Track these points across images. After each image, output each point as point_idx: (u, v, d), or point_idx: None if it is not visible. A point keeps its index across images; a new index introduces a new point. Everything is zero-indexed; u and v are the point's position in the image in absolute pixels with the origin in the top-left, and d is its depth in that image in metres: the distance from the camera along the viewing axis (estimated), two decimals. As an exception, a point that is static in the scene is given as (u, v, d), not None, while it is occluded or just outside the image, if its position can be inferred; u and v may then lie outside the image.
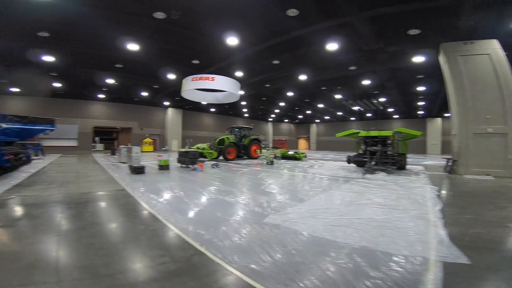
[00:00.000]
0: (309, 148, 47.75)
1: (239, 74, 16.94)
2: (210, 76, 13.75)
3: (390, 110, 31.79)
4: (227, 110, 35.30)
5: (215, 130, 37.96)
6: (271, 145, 28.82)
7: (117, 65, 15.82)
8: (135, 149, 10.64)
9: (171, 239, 3.41)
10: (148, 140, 28.82)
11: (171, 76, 18.08)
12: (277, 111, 35.74)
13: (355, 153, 12.54)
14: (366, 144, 11.61)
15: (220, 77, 14.28)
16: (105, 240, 3.29)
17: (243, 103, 28.88)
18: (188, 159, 11.56)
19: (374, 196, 5.90)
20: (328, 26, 10.13)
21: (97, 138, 30.40)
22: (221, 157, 16.84)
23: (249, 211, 4.67)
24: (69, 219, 4.03)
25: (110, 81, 19.25)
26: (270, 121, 46.58)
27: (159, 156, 10.80)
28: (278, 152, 18.31)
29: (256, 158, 18.28)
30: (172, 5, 8.85)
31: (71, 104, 26.23)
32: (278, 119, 45.64)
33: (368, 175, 9.64)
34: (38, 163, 13.37)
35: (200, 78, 13.74)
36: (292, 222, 4.05)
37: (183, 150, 12.48)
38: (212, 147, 17.03)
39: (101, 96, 25.78)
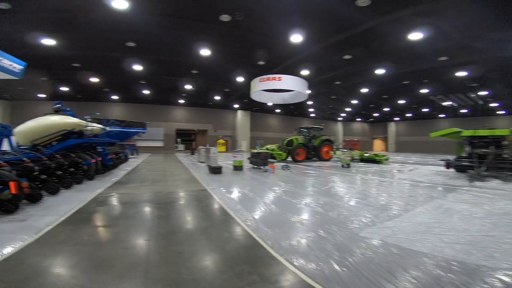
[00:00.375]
0: (386, 150, 42.73)
1: (305, 72, 16.06)
2: (277, 76, 13.35)
3: (493, 105, 25.62)
4: (293, 110, 34.49)
5: (281, 131, 37.65)
6: (341, 146, 26.69)
7: (193, 71, 17.02)
8: (213, 149, 10.98)
9: (262, 257, 2.94)
10: (221, 141, 30.50)
11: (240, 79, 18.51)
12: (348, 109, 33.08)
13: (455, 156, 10.21)
14: (473, 146, 9.30)
15: (287, 77, 13.73)
16: (192, 250, 3.05)
17: (309, 102, 27.66)
18: (260, 160, 11.34)
19: (496, 209, 4.47)
20: (410, 14, 8.66)
21: (178, 139, 33.87)
22: (289, 158, 16.25)
23: (338, 222, 3.92)
24: (159, 222, 4.03)
25: (188, 86, 20.97)
26: (340, 120, 43.65)
27: (234, 156, 10.92)
28: (356, 154, 16.58)
29: (327, 160, 17.02)
30: (236, 7, 8.88)
31: (157, 109, 29.88)
32: (349, 118, 42.28)
33: (477, 183, 7.61)
34: (133, 162, 15.33)
35: (268, 79, 13.48)
36: (399, 238, 3.21)
37: (255, 151, 12.35)
38: (281, 148, 16.59)
39: (181, 101, 28.56)
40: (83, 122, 8.25)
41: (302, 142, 16.97)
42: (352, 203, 5.34)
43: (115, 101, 27.53)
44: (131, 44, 12.13)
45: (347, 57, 13.69)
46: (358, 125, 46.43)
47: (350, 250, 2.93)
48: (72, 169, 7.00)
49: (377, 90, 21.69)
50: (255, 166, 11.87)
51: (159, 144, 30.32)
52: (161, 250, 2.95)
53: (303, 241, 3.22)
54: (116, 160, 12.29)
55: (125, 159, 15.32)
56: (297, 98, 16.70)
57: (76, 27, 10.20)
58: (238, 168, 10.86)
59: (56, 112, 8.96)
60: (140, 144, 29.02)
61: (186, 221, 4.28)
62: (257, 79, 13.81)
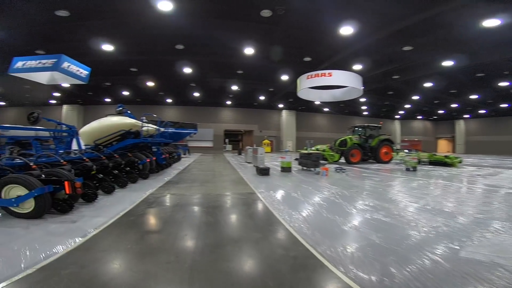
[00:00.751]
0: (453, 151, 37.21)
1: (357, 67, 14.71)
2: (327, 71, 12.24)
3: None
4: (342, 108, 32.21)
5: (329, 130, 35.67)
6: (399, 146, 23.84)
7: (238, 71, 16.94)
8: (260, 150, 10.55)
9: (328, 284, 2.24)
10: (266, 141, 30.15)
11: (284, 77, 17.79)
12: (407, 106, 29.56)
13: None
14: None
15: (338, 72, 12.52)
16: (242, 268, 2.51)
17: (362, 99, 25.43)
18: (311, 162, 10.46)
19: None
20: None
21: (226, 140, 34.64)
22: (342, 160, 14.89)
23: (425, 239, 2.97)
24: (206, 230, 3.61)
25: (234, 87, 21.04)
26: (397, 118, 39.48)
27: (282, 157, 10.27)
28: (425, 155, 14.41)
29: (387, 162, 15.19)
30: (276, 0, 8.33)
31: (206, 111, 30.97)
32: (409, 116, 37.95)
33: None
34: (185, 161, 15.82)
35: (316, 75, 12.45)
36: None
37: (305, 151, 11.50)
38: (333, 148, 15.34)
39: (229, 102, 29.04)
40: (139, 122, 8.54)
41: (357, 142, 15.50)
42: (432, 215, 4.20)
43: (169, 104, 29.40)
44: (180, 46, 12.48)
45: (407, 48, 12.01)
46: (419, 124, 41.42)
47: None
48: (128, 168, 7.20)
49: (444, 84, 18.70)
50: (305, 168, 11.04)
51: (209, 144, 31.40)
52: (207, 268, 2.46)
53: (389, 271, 2.40)
54: (170, 159, 12.75)
55: (178, 159, 15.94)
56: (350, 95, 15.22)
57: (130, 32, 10.79)
58: (286, 169, 10.18)
59: (119, 114, 9.54)
60: (192, 144, 30.43)
61: (235, 230, 3.78)
62: (304, 76, 12.91)
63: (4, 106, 29.03)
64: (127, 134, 8.41)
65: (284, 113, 32.43)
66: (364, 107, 31.48)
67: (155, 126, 12.31)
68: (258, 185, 7.10)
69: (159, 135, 11.68)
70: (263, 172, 9.04)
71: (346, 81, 13.06)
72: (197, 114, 29.73)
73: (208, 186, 7.13)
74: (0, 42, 11.18)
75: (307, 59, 14.24)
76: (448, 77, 16.67)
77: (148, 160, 8.36)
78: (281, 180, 8.24)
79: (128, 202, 4.89)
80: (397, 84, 19.32)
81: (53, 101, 27.19)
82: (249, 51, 12.84)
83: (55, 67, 7.96)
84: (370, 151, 15.74)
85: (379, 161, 15.45)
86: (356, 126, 17.17)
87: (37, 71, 8.19)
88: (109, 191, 5.50)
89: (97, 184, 5.41)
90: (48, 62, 8.17)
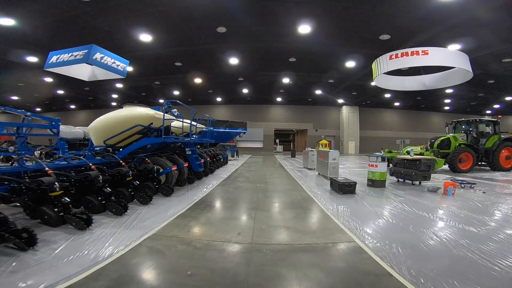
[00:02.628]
0: None
1: (453, 47, 10.47)
2: (421, 49, 8.04)
3: None
4: (418, 102, 25.86)
5: (400, 129, 29.50)
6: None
7: (290, 59, 13.77)
8: (333, 154, 7.06)
9: None
10: (324, 141, 25.98)
11: (349, 64, 13.82)
12: (508, 98, 22.03)
13: None
14: None
15: (437, 49, 8.18)
16: None
17: (449, 90, 19.49)
18: (418, 172, 6.53)
19: None
20: None
21: (277, 140, 31.51)
22: (445, 166, 10.32)
23: None
24: None
25: (286, 79, 17.64)
26: (487, 114, 30.73)
27: (371, 165, 6.54)
28: None
29: (509, 169, 10.36)
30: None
31: (256, 109, 28.24)
32: (507, 111, 29.12)
33: None
34: (232, 165, 13.15)
35: (404, 54, 8.31)
36: None
37: (405, 156, 7.51)
38: (430, 151, 10.87)
39: (279, 99, 25.73)
40: (159, 113, 5.88)
41: (463, 143, 10.75)
42: None
43: (218, 103, 27.60)
44: (222, 29, 10.09)
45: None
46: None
47: None
48: (137, 183, 4.60)
49: None
50: (401, 180, 7.18)
51: (259, 145, 28.69)
52: None
53: None
54: (214, 163, 10.20)
55: (225, 162, 13.42)
56: (447, 81, 10.49)
57: (169, 20, 9.24)
58: (377, 183, 6.47)
59: (167, 112, 7.22)
60: (241, 145, 28.19)
61: None
62: (386, 56, 8.90)
63: (74, 109, 31.26)
64: (148, 131, 5.91)
65: (345, 109, 27.64)
66: (447, 100, 24.79)
67: (201, 125, 10.21)
68: (352, 219, 3.72)
69: (204, 135, 9.53)
70: (346, 188, 5.55)
71: (451, 61, 8.60)
72: (246, 113, 27.32)
73: (259, 220, 3.93)
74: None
75: (385, 36, 10.52)
76: None
77: (174, 168, 5.70)
78: (387, 205, 4.63)
79: (92, 257, 2.08)
80: (506, 70, 13.68)
81: (113, 103, 27.94)
82: (304, 29, 9.86)
83: (85, 59, 7.04)
84: (485, 155, 10.83)
85: (496, 168, 10.56)
86: (460, 121, 12.14)
87: (70, 64, 7.46)
88: (81, 227, 2.84)
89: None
90: (79, 54, 7.31)
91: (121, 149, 5.55)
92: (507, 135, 11.30)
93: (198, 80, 18.09)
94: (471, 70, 8.45)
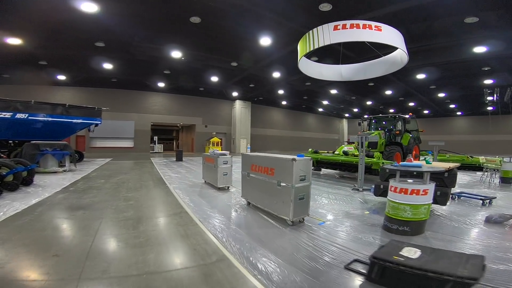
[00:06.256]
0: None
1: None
2: (374, 23, 5.44)
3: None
4: (301, 102, 26.23)
5: (286, 128, 29.83)
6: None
7: (192, 19, 8.48)
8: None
9: None
10: (216, 139, 21.68)
11: (265, 41, 10.26)
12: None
13: None
14: None
15: (389, 28, 5.90)
16: None
17: (334, 91, 20.21)
18: (443, 195, 3.15)
19: None
20: None
21: (155, 138, 24.30)
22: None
23: None
24: None
25: (176, 54, 11.92)
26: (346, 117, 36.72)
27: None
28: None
29: None
30: None
31: (125, 95, 20.14)
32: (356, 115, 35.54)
33: None
34: (46, 188, 6.19)
35: (355, 26, 5.46)
36: None
37: (427, 164, 4.03)
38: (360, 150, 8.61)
39: (161, 84, 19.10)
40: None
41: (383, 141, 9.33)
42: None
43: (61, 83, 17.39)
44: None
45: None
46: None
47: None
48: None
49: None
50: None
51: (128, 144, 20.68)
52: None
53: None
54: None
55: (28, 180, 6.05)
56: (366, 73, 8.63)
57: None
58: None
59: None
60: (97, 144, 19.32)
61: None
62: (330, 25, 5.63)
63: None
64: None
65: (238, 104, 24.39)
66: (325, 102, 26.43)
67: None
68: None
69: None
70: None
71: (398, 42, 6.33)
72: (109, 99, 18.85)
73: None
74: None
75: (325, 7, 7.38)
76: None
77: None
78: None
79: None
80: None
81: None
82: None
83: None
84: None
85: None
86: (377, 117, 10.82)
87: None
88: None
89: None
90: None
91: None
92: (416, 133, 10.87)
93: (15, 40, 9.21)
94: (407, 56, 6.37)
